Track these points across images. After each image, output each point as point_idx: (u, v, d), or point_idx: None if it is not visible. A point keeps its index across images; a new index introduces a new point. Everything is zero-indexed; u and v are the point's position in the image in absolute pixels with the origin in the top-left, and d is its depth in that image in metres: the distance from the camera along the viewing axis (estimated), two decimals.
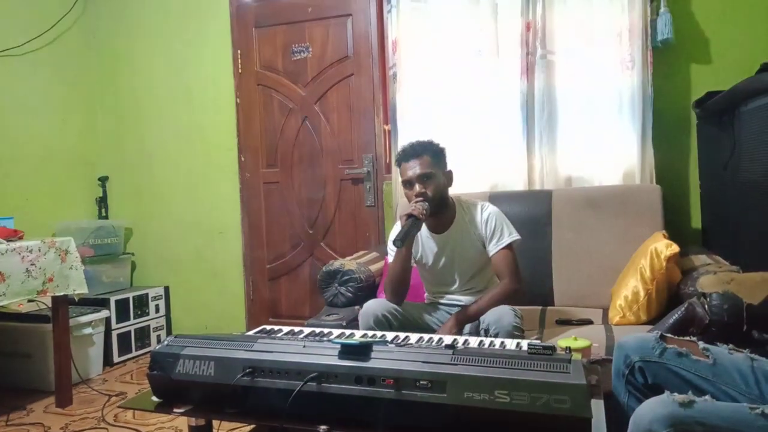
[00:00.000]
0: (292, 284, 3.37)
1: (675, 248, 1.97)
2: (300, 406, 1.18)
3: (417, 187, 1.93)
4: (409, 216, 1.89)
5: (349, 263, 2.38)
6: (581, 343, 1.49)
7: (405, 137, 2.89)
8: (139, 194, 3.70)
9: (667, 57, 2.59)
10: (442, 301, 2.11)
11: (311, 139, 3.28)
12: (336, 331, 1.60)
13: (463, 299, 2.06)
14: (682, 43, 2.56)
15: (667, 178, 2.58)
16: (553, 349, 1.22)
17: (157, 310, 3.56)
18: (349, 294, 2.28)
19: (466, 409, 1.09)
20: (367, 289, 2.31)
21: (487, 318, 1.81)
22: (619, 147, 2.60)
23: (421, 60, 2.90)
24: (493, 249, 1.98)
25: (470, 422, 1.11)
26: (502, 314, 1.78)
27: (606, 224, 2.41)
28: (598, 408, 1.18)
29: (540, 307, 2.33)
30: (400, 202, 2.89)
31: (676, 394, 1.05)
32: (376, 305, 1.94)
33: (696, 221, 2.63)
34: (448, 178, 2.04)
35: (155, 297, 3.55)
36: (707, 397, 1.06)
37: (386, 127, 3.13)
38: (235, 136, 3.44)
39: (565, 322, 2.09)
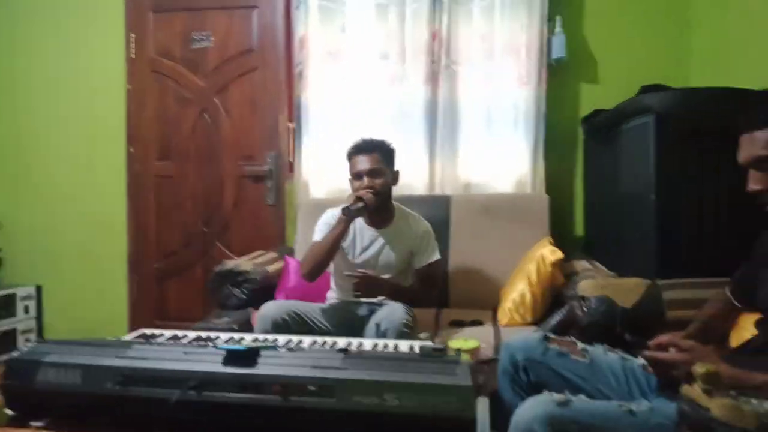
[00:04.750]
0: (183, 285, 3.18)
1: (559, 254, 2.09)
2: (180, 416, 1.10)
3: (365, 180, 2.01)
4: (359, 198, 1.97)
5: (244, 263, 2.29)
6: (471, 343, 1.52)
7: (310, 136, 2.87)
8: (12, 184, 3.34)
9: (560, 75, 2.75)
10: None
11: (209, 133, 3.13)
12: (224, 336, 1.51)
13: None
14: (574, 63, 2.74)
15: (555, 188, 2.73)
16: (443, 350, 1.23)
17: (27, 311, 3.22)
18: (243, 296, 2.19)
19: (355, 413, 1.06)
20: (264, 291, 2.22)
21: (380, 313, 1.86)
22: (514, 157, 2.73)
23: (329, 59, 2.86)
24: (420, 262, 2.11)
25: (359, 427, 1.09)
26: (394, 310, 1.84)
27: (499, 230, 2.51)
28: (483, 407, 1.21)
29: (435, 309, 2.38)
30: (303, 202, 2.84)
31: (554, 393, 1.09)
32: (275, 308, 1.91)
33: (579, 229, 2.81)
34: (395, 177, 2.14)
35: (25, 297, 3.21)
36: (582, 395, 1.12)
37: (291, 125, 3.05)
38: (124, 126, 3.20)
39: (458, 324, 2.14)
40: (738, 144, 1.12)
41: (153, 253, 3.22)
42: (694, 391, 0.90)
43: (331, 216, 2.09)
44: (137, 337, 1.47)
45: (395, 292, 2.00)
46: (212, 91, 3.12)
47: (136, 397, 1.15)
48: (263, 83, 3.06)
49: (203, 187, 3.15)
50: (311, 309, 2.03)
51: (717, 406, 0.84)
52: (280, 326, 1.85)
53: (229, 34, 3.09)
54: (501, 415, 1.32)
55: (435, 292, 2.17)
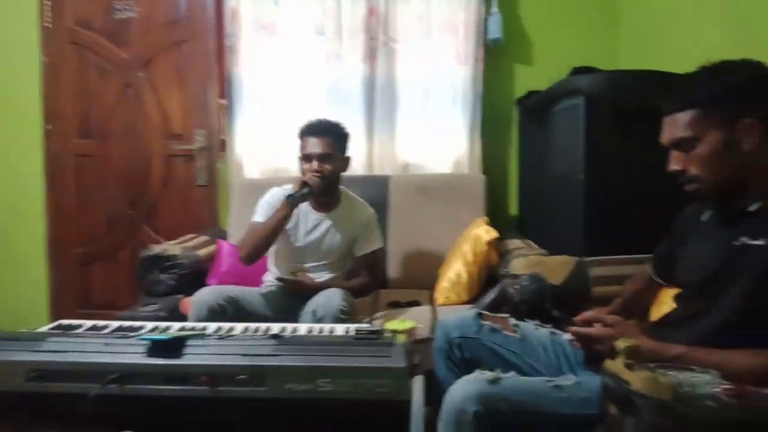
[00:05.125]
0: (108, 271, 3.03)
1: (494, 233, 2.14)
2: (102, 411, 1.05)
3: (315, 164, 1.96)
4: (305, 184, 1.93)
5: (173, 248, 2.19)
6: (407, 324, 1.53)
7: (243, 113, 2.77)
8: None
9: (496, 55, 2.77)
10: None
11: (134, 109, 2.95)
12: (150, 325, 1.44)
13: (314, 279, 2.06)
14: (510, 43, 2.75)
15: (491, 169, 2.77)
16: (379, 333, 1.23)
17: None
18: (172, 282, 2.09)
19: (288, 401, 1.04)
20: (194, 276, 2.14)
21: (317, 299, 1.83)
22: (451, 137, 2.74)
23: (262, 33, 2.75)
24: (361, 250, 2.09)
25: (293, 414, 1.07)
26: (330, 297, 1.81)
27: (436, 210, 2.52)
28: (418, 387, 1.22)
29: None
30: (236, 182, 2.74)
31: (486, 372, 1.11)
32: (210, 294, 1.85)
33: (514, 208, 2.88)
34: (346, 163, 2.09)
35: None
36: (512, 372, 1.14)
37: (222, 101, 2.92)
38: (40, 101, 2.97)
39: (396, 305, 2.15)
40: (661, 125, 1.15)
41: (74, 238, 3.04)
42: (616, 365, 0.93)
43: (274, 196, 2.03)
44: (54, 329, 1.38)
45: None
46: (136, 64, 2.94)
47: (51, 393, 1.08)
48: (192, 56, 2.91)
49: (128, 166, 2.98)
50: (249, 294, 1.97)
51: (637, 379, 0.88)
52: (217, 312, 1.79)
53: (154, 3, 2.90)
54: (436, 392, 1.34)
55: (376, 281, 2.16)
